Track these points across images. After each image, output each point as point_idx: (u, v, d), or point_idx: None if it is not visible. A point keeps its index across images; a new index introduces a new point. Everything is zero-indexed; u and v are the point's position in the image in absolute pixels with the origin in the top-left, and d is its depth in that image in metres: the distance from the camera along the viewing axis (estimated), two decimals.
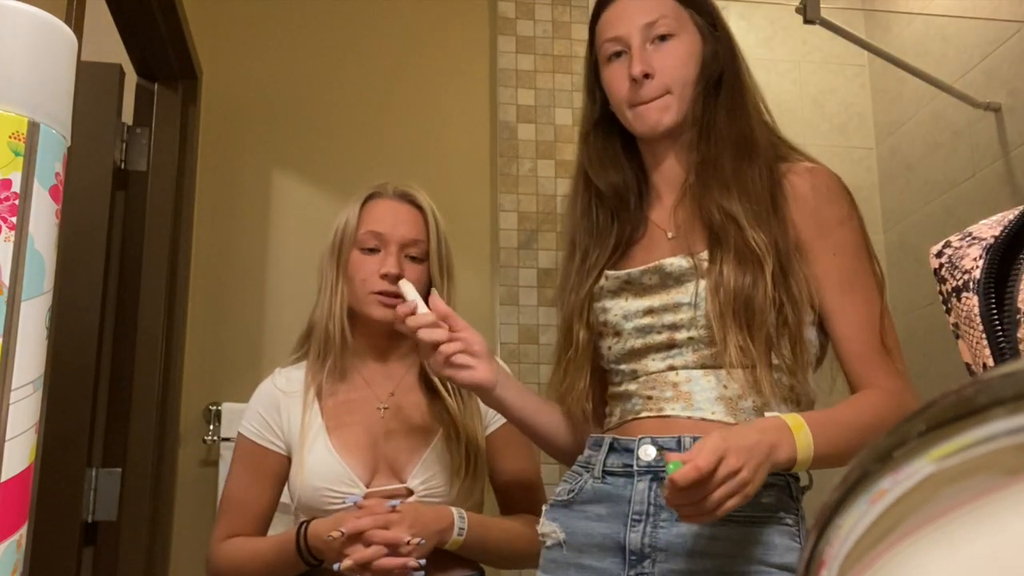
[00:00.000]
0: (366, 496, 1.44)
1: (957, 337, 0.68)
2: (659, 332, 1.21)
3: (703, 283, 1.18)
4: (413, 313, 1.31)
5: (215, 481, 2.19)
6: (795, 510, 1.15)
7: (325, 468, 1.47)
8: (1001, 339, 0.63)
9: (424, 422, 1.53)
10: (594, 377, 1.31)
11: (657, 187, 1.32)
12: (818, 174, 1.23)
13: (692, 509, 0.99)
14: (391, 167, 2.40)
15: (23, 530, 0.39)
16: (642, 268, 1.24)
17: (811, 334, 1.19)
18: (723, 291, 1.15)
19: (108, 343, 2.11)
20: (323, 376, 1.54)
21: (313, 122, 2.49)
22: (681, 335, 1.19)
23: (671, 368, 1.20)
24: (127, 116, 2.22)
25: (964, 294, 0.66)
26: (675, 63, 1.25)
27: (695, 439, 1.14)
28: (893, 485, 0.22)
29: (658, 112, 1.24)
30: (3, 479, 0.38)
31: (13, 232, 0.39)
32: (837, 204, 1.21)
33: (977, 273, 0.65)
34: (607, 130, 1.34)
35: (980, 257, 0.66)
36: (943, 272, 0.69)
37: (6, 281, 0.39)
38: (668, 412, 1.19)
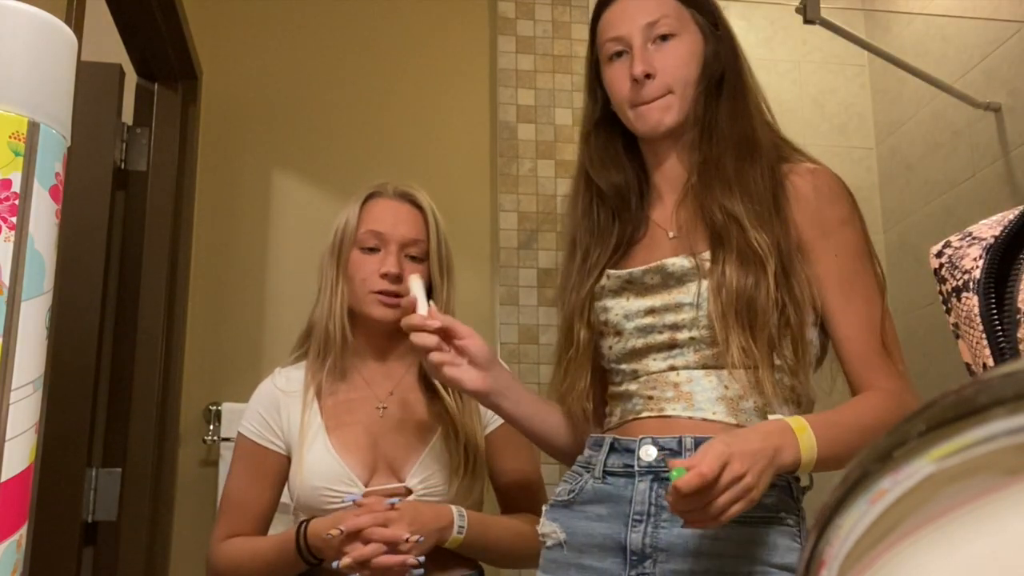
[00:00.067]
0: (365, 495, 1.44)
1: (957, 337, 0.68)
2: (660, 332, 1.21)
3: (705, 283, 1.18)
4: (413, 310, 1.32)
5: (215, 481, 2.19)
6: (796, 510, 1.15)
7: (324, 468, 1.47)
8: (1001, 339, 0.63)
9: (423, 421, 1.53)
10: (594, 377, 1.31)
11: (658, 187, 1.32)
12: (820, 175, 1.23)
13: (697, 515, 0.98)
14: (391, 167, 2.40)
15: (23, 530, 0.39)
16: (644, 268, 1.24)
17: (812, 334, 1.20)
18: (725, 291, 1.15)
19: (108, 343, 2.11)
20: (323, 376, 1.54)
21: (313, 122, 2.50)
22: (682, 335, 1.19)
23: (672, 368, 1.20)
24: (127, 116, 2.22)
25: (964, 294, 0.66)
26: (676, 63, 1.25)
27: (696, 439, 1.14)
28: (893, 485, 0.22)
29: (659, 112, 1.24)
30: (3, 479, 0.38)
31: (13, 232, 0.39)
32: (839, 205, 1.21)
33: (977, 273, 0.65)
34: (608, 130, 1.34)
35: (980, 257, 0.66)
36: (943, 272, 0.69)
37: (6, 281, 0.39)
38: (669, 412, 1.19)
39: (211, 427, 2.27)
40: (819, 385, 1.22)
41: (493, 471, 1.59)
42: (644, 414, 1.21)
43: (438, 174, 2.45)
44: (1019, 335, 0.62)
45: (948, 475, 0.21)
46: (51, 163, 0.42)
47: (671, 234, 1.27)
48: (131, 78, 2.23)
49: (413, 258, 1.54)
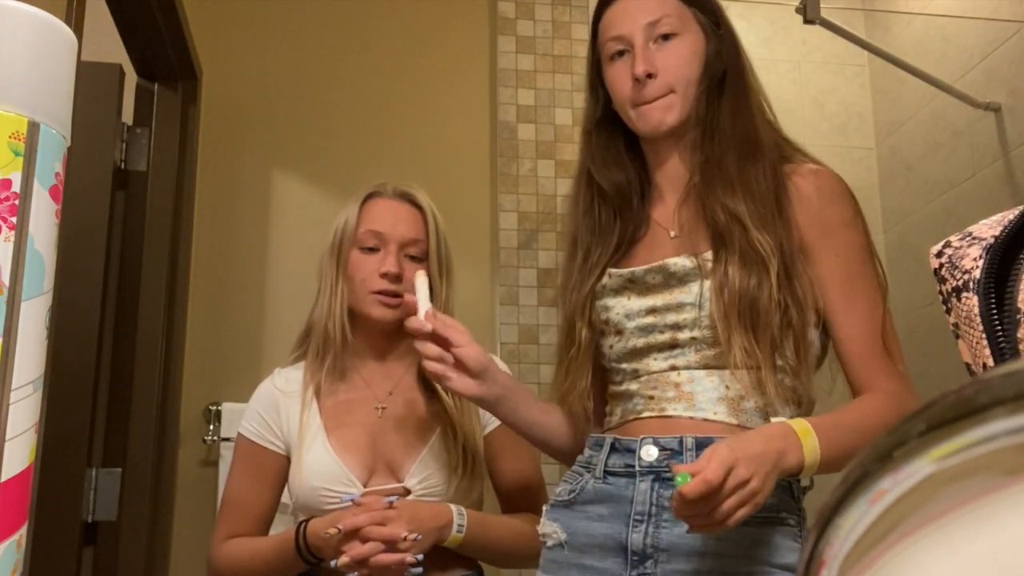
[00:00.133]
0: (364, 495, 1.44)
1: (957, 337, 0.68)
2: (661, 332, 1.21)
3: (707, 283, 1.18)
4: (414, 310, 1.32)
5: (215, 481, 2.19)
6: (797, 511, 1.15)
7: (323, 468, 1.47)
8: (1001, 339, 0.63)
9: (422, 421, 1.53)
10: (595, 376, 1.31)
11: (660, 186, 1.32)
12: (822, 176, 1.23)
13: (702, 520, 0.99)
14: (391, 167, 2.40)
15: (23, 530, 0.39)
16: (645, 267, 1.24)
17: (813, 335, 1.20)
18: (728, 292, 1.15)
19: (108, 343, 2.11)
20: (321, 375, 1.54)
21: (313, 122, 2.49)
22: (684, 335, 1.19)
23: (673, 368, 1.20)
24: (127, 116, 2.22)
25: (964, 294, 0.66)
26: (678, 62, 1.25)
27: (697, 439, 1.14)
28: (893, 485, 0.22)
29: (661, 112, 1.24)
30: (3, 479, 0.38)
31: (13, 232, 0.39)
32: (841, 206, 1.21)
33: (977, 273, 0.65)
34: (610, 129, 1.34)
35: (980, 257, 0.66)
36: (943, 272, 0.69)
37: (6, 281, 0.39)
38: (670, 412, 1.19)
39: (211, 427, 2.27)
40: (819, 385, 1.22)
41: (493, 471, 1.59)
42: (645, 414, 1.21)
43: (438, 174, 2.45)
44: (1019, 335, 0.62)
45: (948, 475, 0.21)
46: (51, 163, 0.42)
47: (672, 233, 1.27)
48: (131, 78, 2.23)
49: (413, 258, 1.54)
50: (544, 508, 1.27)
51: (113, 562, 2.02)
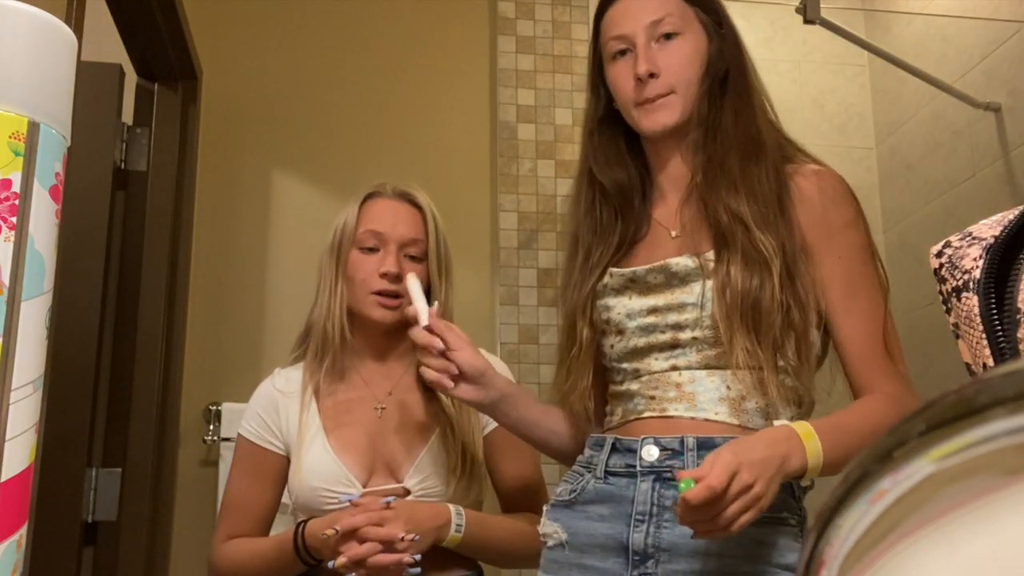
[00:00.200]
0: (363, 496, 1.44)
1: (957, 337, 0.68)
2: (663, 331, 1.21)
3: (709, 284, 1.18)
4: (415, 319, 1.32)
5: (215, 481, 2.19)
6: (798, 511, 1.15)
7: (322, 468, 1.47)
8: (1001, 339, 0.63)
9: (421, 422, 1.53)
10: (595, 376, 1.31)
11: (661, 186, 1.32)
12: (825, 177, 1.23)
13: (706, 525, 0.99)
14: (391, 167, 2.40)
15: (23, 530, 0.39)
16: (647, 267, 1.24)
17: (815, 336, 1.20)
18: (730, 292, 1.15)
19: (108, 343, 2.11)
20: (320, 375, 1.54)
21: (313, 122, 2.49)
22: (685, 335, 1.19)
23: (674, 368, 1.20)
24: (127, 116, 2.22)
25: (964, 294, 0.66)
26: (680, 62, 1.25)
27: (698, 439, 1.14)
28: (893, 485, 0.22)
29: (663, 111, 1.24)
30: (3, 479, 0.38)
31: (13, 232, 0.39)
32: (843, 207, 1.21)
33: (977, 273, 0.65)
34: (611, 128, 1.33)
35: (980, 257, 0.66)
36: (943, 272, 0.69)
37: (6, 281, 0.39)
38: (671, 412, 1.18)
39: (211, 427, 2.26)
40: (819, 385, 1.22)
41: (492, 471, 1.58)
42: (646, 414, 1.21)
43: (438, 174, 2.45)
44: (1019, 335, 0.62)
45: (948, 475, 0.21)
46: (51, 163, 0.42)
47: (674, 233, 1.27)
48: (131, 78, 2.23)
49: (412, 258, 1.54)
50: (545, 508, 1.27)
51: (113, 562, 2.02)
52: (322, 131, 2.49)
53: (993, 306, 0.64)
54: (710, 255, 1.19)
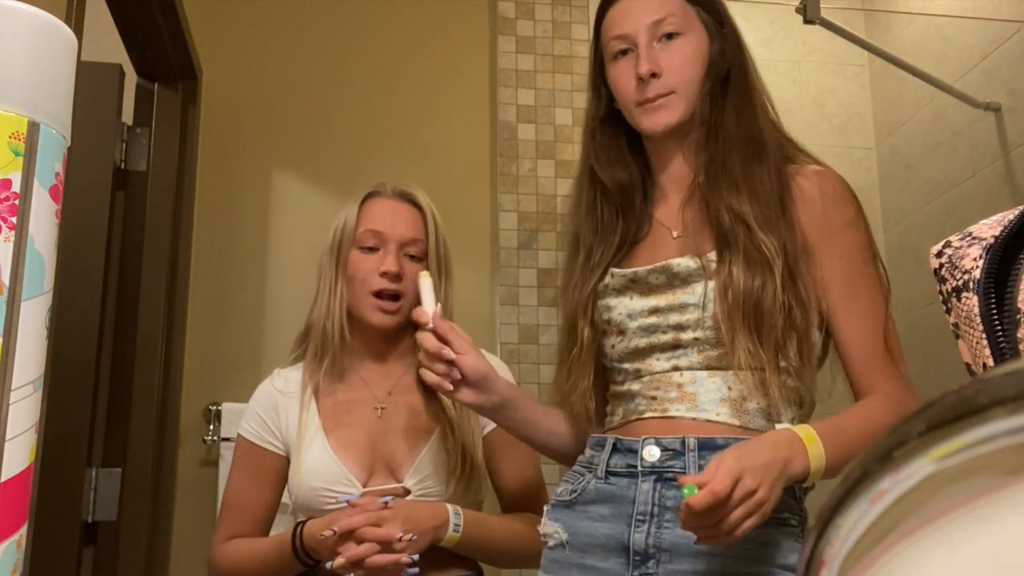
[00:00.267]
0: (363, 496, 1.44)
1: (957, 337, 0.68)
2: (664, 332, 1.21)
3: (711, 284, 1.18)
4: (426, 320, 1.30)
5: (215, 481, 2.19)
6: (798, 511, 1.15)
7: (322, 468, 1.47)
8: (1001, 339, 0.63)
9: (421, 422, 1.53)
10: (596, 376, 1.31)
11: (662, 186, 1.32)
12: (826, 177, 1.23)
13: (710, 531, 0.99)
14: (391, 167, 2.40)
15: (23, 530, 0.39)
16: (649, 267, 1.24)
17: (816, 336, 1.20)
18: (732, 293, 1.15)
19: (108, 343, 2.11)
20: (320, 375, 1.54)
21: (313, 122, 2.49)
22: (687, 336, 1.19)
23: (675, 368, 1.20)
24: (127, 116, 2.22)
25: (964, 294, 0.66)
26: (682, 62, 1.25)
27: (699, 439, 1.14)
28: (893, 485, 0.22)
29: (664, 111, 1.24)
30: (3, 479, 0.38)
31: (13, 232, 0.39)
32: (844, 208, 1.21)
33: (977, 273, 0.65)
34: (612, 127, 1.33)
35: (980, 257, 0.66)
36: (943, 272, 0.69)
37: (6, 281, 0.39)
38: (672, 413, 1.18)
39: (211, 427, 2.26)
40: (819, 385, 1.22)
41: (492, 471, 1.58)
42: (647, 414, 1.21)
43: (438, 174, 2.45)
44: (1019, 335, 0.62)
45: (948, 475, 0.21)
46: (51, 163, 0.42)
47: (675, 233, 1.27)
48: (131, 78, 2.23)
49: (412, 257, 1.54)
50: (545, 508, 1.27)
51: (113, 562, 2.02)
52: (322, 131, 2.49)
53: (993, 306, 0.64)
54: (712, 255, 1.19)
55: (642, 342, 1.22)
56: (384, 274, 1.50)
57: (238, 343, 2.34)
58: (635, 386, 1.23)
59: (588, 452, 1.25)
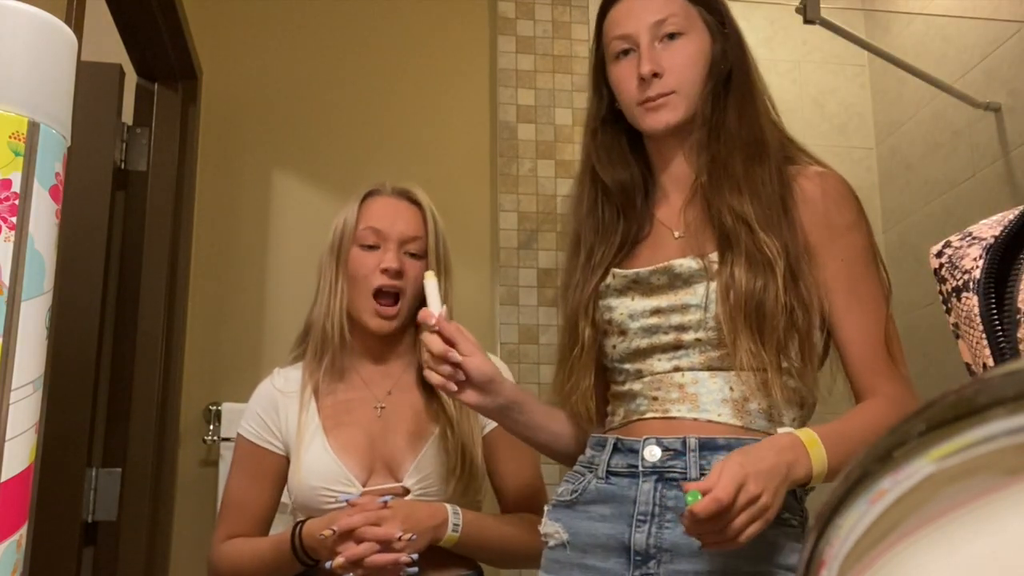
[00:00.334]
0: (362, 495, 1.44)
1: (957, 337, 0.68)
2: (666, 333, 1.21)
3: (713, 285, 1.18)
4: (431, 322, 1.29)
5: (215, 481, 2.19)
6: (799, 511, 1.15)
7: (322, 468, 1.47)
8: (1001, 339, 0.63)
9: (420, 422, 1.53)
10: (597, 376, 1.31)
11: (664, 185, 1.32)
12: (828, 178, 1.23)
13: (714, 537, 0.99)
14: (391, 167, 2.40)
15: (23, 530, 0.39)
16: (651, 268, 1.24)
17: (818, 337, 1.20)
18: (733, 294, 1.15)
19: (108, 343, 2.11)
20: (320, 375, 1.54)
21: (313, 122, 2.49)
22: (688, 336, 1.19)
23: (677, 369, 1.20)
24: (127, 116, 2.22)
25: (964, 294, 0.66)
26: (684, 62, 1.25)
27: (700, 440, 1.14)
28: (893, 485, 0.22)
29: (666, 110, 1.24)
30: (3, 479, 0.38)
31: (13, 232, 0.39)
32: (846, 209, 1.21)
33: (977, 273, 0.65)
34: (614, 127, 1.33)
35: (980, 257, 0.66)
36: (943, 272, 0.69)
37: (6, 281, 0.39)
38: (674, 413, 1.18)
39: (211, 427, 2.26)
40: (820, 385, 1.22)
41: (492, 472, 1.58)
42: (648, 415, 1.21)
43: (438, 174, 2.45)
44: (1019, 335, 0.62)
45: (948, 475, 0.21)
46: (51, 163, 0.42)
47: (677, 234, 1.27)
48: (131, 78, 2.23)
49: (412, 255, 1.54)
50: (546, 508, 1.27)
51: (113, 562, 2.02)
52: (322, 131, 2.49)
53: (993, 306, 0.64)
54: (714, 256, 1.19)
55: (643, 343, 1.22)
56: (385, 271, 1.50)
57: (238, 343, 2.34)
58: (636, 386, 1.23)
59: (589, 452, 1.25)
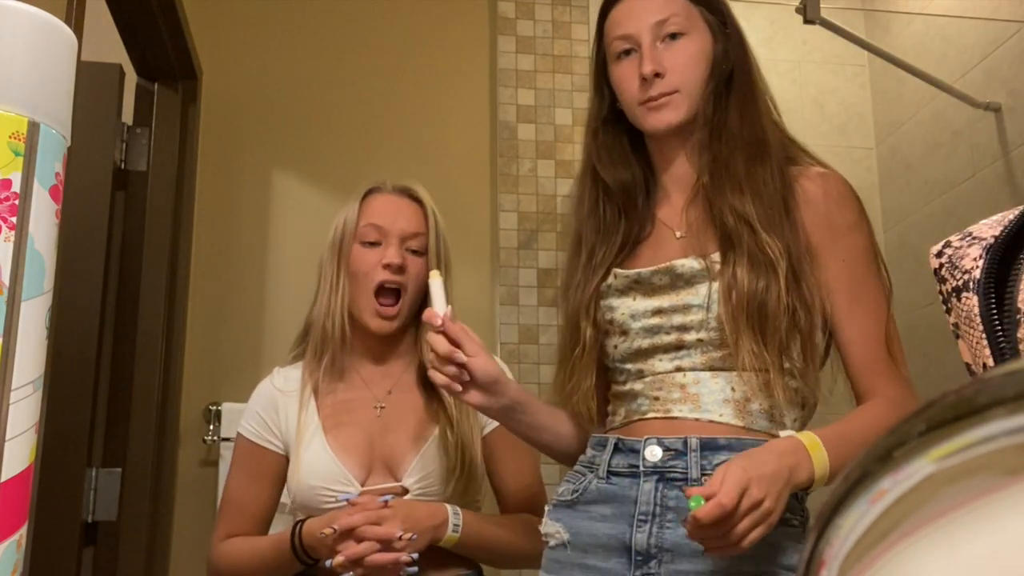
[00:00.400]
0: (361, 495, 1.44)
1: (957, 337, 0.68)
2: (667, 333, 1.21)
3: (715, 285, 1.18)
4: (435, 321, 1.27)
5: (215, 481, 2.19)
6: (800, 512, 1.15)
7: (321, 467, 1.47)
8: (1001, 339, 0.63)
9: (420, 421, 1.53)
10: (598, 376, 1.31)
11: (665, 185, 1.32)
12: (830, 179, 1.23)
13: (717, 542, 0.99)
14: (391, 167, 2.40)
15: (23, 530, 0.39)
16: (652, 269, 1.23)
17: (819, 337, 1.20)
18: (736, 294, 1.15)
19: (108, 343, 2.11)
20: (320, 374, 1.54)
21: (313, 122, 2.49)
22: (690, 336, 1.19)
23: (679, 369, 1.20)
24: (127, 116, 2.22)
25: (964, 294, 0.66)
26: (686, 62, 1.25)
27: (701, 440, 1.14)
28: (893, 485, 0.22)
29: (667, 110, 1.24)
30: (3, 479, 0.38)
31: (13, 232, 0.39)
32: (848, 210, 1.21)
33: (977, 273, 0.65)
34: (615, 127, 1.33)
35: (980, 257, 0.66)
36: (943, 272, 0.69)
37: (6, 281, 0.39)
38: (675, 413, 1.18)
39: (211, 427, 2.26)
40: (821, 385, 1.22)
41: (492, 472, 1.58)
42: (650, 415, 1.21)
43: (438, 174, 2.45)
44: (1019, 335, 0.62)
45: (948, 475, 0.21)
46: (51, 163, 0.42)
47: (678, 234, 1.27)
48: (131, 78, 2.23)
49: (413, 251, 1.55)
50: (547, 508, 1.27)
51: (113, 562, 2.02)
52: (322, 131, 2.49)
53: (993, 306, 0.64)
54: (716, 256, 1.19)
55: (645, 343, 1.22)
56: (387, 266, 1.51)
57: (238, 343, 2.34)
58: (637, 386, 1.23)
59: (589, 452, 1.25)
